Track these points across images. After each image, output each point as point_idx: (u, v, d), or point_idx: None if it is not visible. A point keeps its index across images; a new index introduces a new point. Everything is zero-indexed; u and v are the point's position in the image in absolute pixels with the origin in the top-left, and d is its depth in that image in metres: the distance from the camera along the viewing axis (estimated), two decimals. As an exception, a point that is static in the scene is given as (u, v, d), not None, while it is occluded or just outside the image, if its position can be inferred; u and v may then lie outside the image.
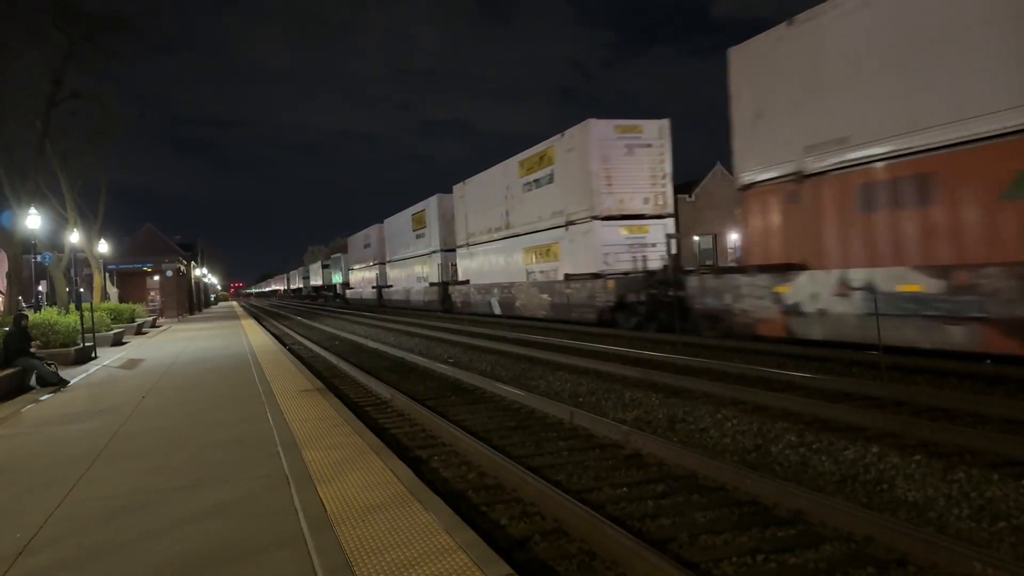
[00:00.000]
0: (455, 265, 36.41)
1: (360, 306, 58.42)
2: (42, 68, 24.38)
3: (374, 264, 55.52)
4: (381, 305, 52.08)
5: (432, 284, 39.53)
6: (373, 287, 55.45)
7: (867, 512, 5.00)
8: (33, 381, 12.94)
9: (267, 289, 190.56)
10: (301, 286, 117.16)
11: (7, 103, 22.90)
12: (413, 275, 44.57)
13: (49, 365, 12.99)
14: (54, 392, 12.10)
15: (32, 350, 13.05)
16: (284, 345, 20.94)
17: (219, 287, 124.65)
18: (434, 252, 39.81)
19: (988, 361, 10.87)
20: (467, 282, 33.74)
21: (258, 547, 4.30)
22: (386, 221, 52.09)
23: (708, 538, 4.98)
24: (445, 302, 36.96)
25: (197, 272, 63.88)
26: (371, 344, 21.21)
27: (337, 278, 77.54)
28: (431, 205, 40.15)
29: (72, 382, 13.16)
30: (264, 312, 60.36)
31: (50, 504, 5.41)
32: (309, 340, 24.63)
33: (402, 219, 46.97)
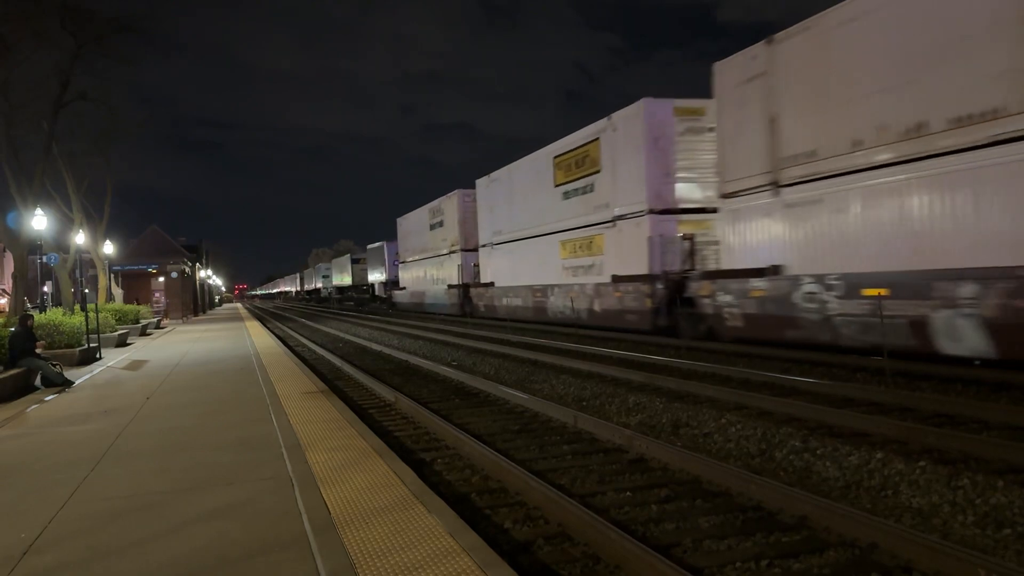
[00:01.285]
0: (690, 239, 18.37)
1: (421, 315, 40.11)
2: (50, 70, 24.50)
3: (450, 252, 36.13)
4: (467, 314, 33.26)
5: (624, 280, 19.94)
6: (451, 286, 35.76)
7: (871, 518, 4.98)
8: (38, 382, 12.98)
9: (275, 291, 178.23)
10: (320, 286, 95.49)
11: (15, 104, 23.01)
12: (553, 265, 24.77)
13: (54, 366, 13.04)
14: (59, 393, 12.13)
15: (37, 351, 13.08)
16: (288, 347, 20.97)
17: (223, 289, 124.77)
18: (628, 216, 19.98)
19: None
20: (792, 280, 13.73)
21: (262, 549, 4.30)
22: (481, 182, 32.23)
23: (712, 543, 4.98)
24: (667, 314, 18.09)
25: (202, 274, 64.03)
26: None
27: (378, 275, 57.35)
28: (624, 123, 20.14)
29: (77, 383, 13.19)
30: (269, 314, 60.40)
31: (55, 504, 5.42)
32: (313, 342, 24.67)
33: (523, 171, 27.44)
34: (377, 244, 57.92)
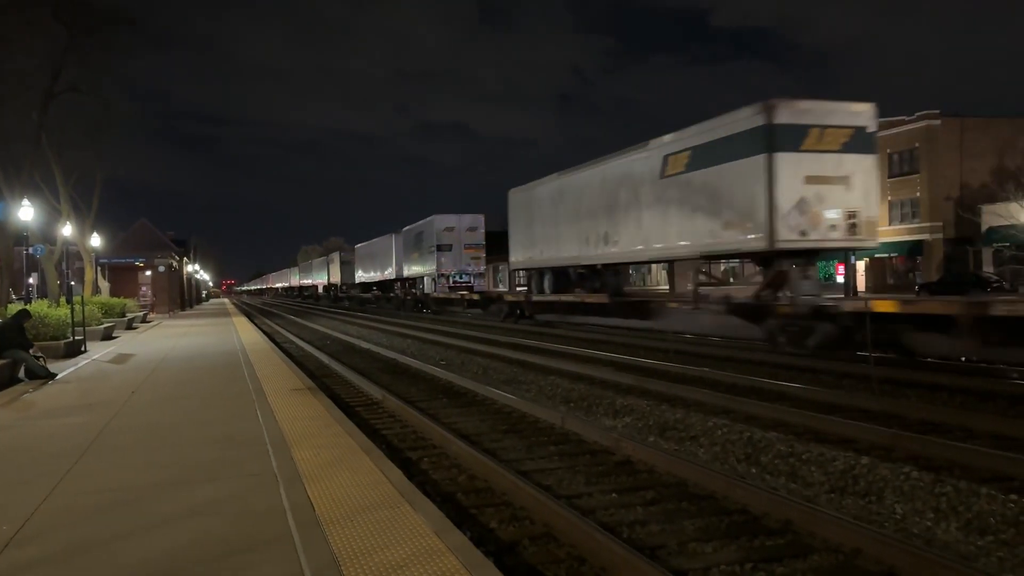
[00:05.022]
0: None
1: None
2: (41, 60, 24.29)
3: None
4: None
5: None
6: None
7: (856, 524, 5.01)
8: (22, 374, 12.85)
9: (278, 286, 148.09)
10: (401, 275, 47.88)
11: (4, 95, 22.80)
12: None
13: (38, 358, 12.92)
14: (43, 385, 12.02)
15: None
16: (275, 343, 20.86)
17: (211, 284, 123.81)
18: None
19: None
20: None
21: (246, 545, 4.27)
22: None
23: (697, 546, 4.99)
24: None
25: (189, 268, 63.70)
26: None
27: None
28: None
29: (61, 375, 13.07)
30: (257, 311, 60.10)
31: (37, 498, 5.36)
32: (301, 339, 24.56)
33: None
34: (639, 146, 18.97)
